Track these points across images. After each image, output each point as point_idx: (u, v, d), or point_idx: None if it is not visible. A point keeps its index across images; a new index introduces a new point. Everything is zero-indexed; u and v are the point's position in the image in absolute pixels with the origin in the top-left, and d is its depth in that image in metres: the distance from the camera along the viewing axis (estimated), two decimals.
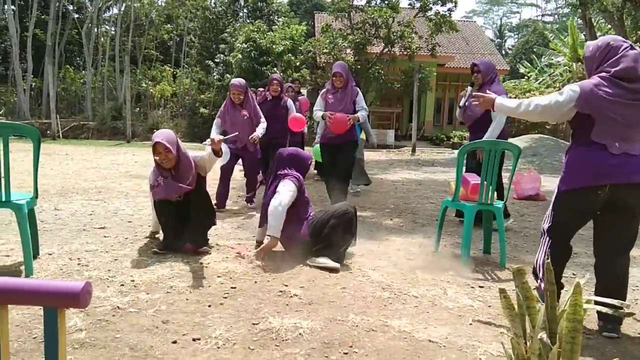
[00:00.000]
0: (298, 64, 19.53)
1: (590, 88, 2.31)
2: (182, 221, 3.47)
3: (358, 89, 5.20)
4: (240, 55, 18.78)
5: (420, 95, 19.58)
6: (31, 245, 2.94)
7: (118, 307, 2.47)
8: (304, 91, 6.07)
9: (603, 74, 2.34)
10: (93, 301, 2.54)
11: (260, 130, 5.15)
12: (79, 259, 3.26)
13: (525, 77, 23.69)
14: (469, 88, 4.34)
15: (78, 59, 31.30)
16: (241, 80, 5.32)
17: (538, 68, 23.91)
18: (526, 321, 1.48)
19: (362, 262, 3.45)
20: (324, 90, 5.29)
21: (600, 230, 2.47)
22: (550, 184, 8.55)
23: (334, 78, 5.01)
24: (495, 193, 3.61)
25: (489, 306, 2.72)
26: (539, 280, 2.62)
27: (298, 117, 6.00)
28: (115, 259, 3.28)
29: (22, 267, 2.98)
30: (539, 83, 21.70)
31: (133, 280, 2.85)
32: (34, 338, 2.09)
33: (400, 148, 20.11)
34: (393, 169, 10.89)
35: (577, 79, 14.82)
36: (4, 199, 2.81)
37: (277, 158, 3.65)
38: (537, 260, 2.64)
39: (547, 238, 2.55)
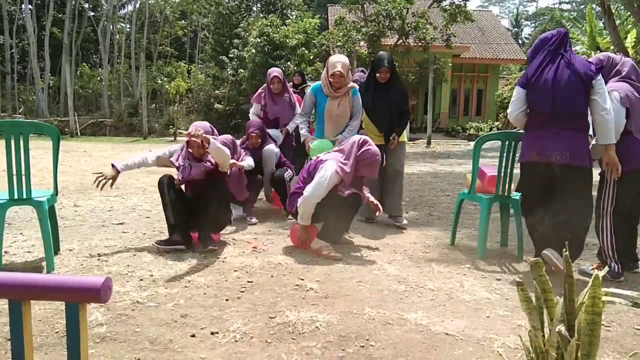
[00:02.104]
0: (312, 57, 19.50)
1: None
2: (192, 216, 3.50)
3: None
4: (253, 50, 18.83)
5: (435, 86, 19.42)
6: (52, 241, 2.99)
7: (137, 301, 2.51)
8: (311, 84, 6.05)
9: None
10: (113, 296, 2.59)
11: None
12: (98, 254, 3.31)
13: None
14: None
15: (94, 56, 31.69)
16: (279, 70, 5.27)
17: None
18: (544, 314, 1.47)
19: (378, 256, 3.45)
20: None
21: None
22: None
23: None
24: (513, 184, 3.57)
25: (507, 299, 2.70)
26: (609, 261, 3.08)
27: None
28: (134, 255, 3.33)
29: (44, 263, 3.04)
30: None
31: (152, 275, 2.90)
32: (56, 332, 2.14)
33: (415, 140, 20.00)
34: (408, 162, 10.82)
35: None
36: (25, 196, 2.87)
37: None
38: (604, 242, 3.10)
39: (611, 219, 3.08)
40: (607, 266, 3.07)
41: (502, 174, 3.44)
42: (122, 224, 4.27)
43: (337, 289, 2.77)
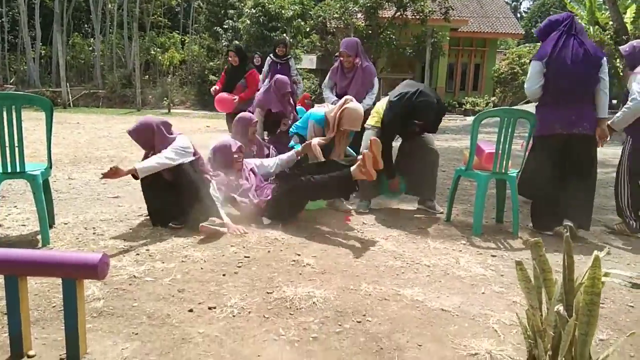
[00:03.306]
0: (308, 29, 19.20)
1: None
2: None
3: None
4: (248, 21, 18.49)
5: (432, 60, 19.26)
6: (47, 215, 2.97)
7: (134, 276, 2.51)
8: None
9: None
10: (109, 270, 2.58)
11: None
12: (94, 228, 3.30)
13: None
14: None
15: (86, 26, 31.02)
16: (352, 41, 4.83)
17: None
18: (542, 293, 1.48)
19: (374, 232, 3.46)
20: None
21: None
22: None
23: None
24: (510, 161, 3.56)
25: (502, 275, 2.72)
26: (628, 219, 3.61)
27: (225, 98, 5.87)
28: (130, 229, 3.32)
29: (39, 237, 3.02)
30: None
31: (148, 250, 2.89)
32: (54, 307, 2.14)
33: None
34: None
35: (595, 42, 14.40)
36: (18, 170, 2.83)
37: None
38: (623, 203, 3.62)
39: (629, 183, 3.57)
40: (625, 224, 3.65)
41: (500, 151, 3.43)
42: (117, 197, 4.25)
43: (334, 264, 2.78)
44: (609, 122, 3.44)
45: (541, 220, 3.56)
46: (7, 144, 2.77)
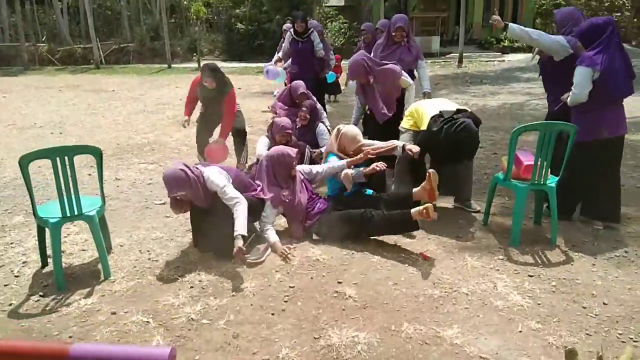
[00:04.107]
0: None
1: None
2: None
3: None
4: None
5: None
6: (104, 247, 3.20)
7: (192, 318, 2.73)
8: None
9: None
10: (169, 310, 2.82)
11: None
12: (148, 251, 3.53)
13: None
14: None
15: None
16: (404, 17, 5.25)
17: None
18: None
19: (412, 244, 3.57)
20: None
21: None
22: None
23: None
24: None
25: (538, 304, 2.81)
26: None
27: (214, 149, 4.86)
28: (181, 250, 3.53)
29: (99, 266, 3.26)
30: None
31: (201, 281, 3.10)
32: None
33: (446, 55, 19.24)
34: (437, 92, 10.56)
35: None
36: (76, 213, 3.03)
37: None
38: None
39: None
40: None
41: (539, 162, 3.40)
42: (163, 203, 4.46)
43: (375, 295, 2.92)
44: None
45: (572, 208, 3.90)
46: (63, 190, 2.95)
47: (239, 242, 3.10)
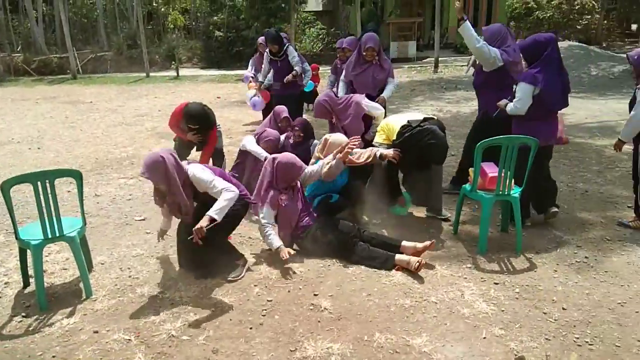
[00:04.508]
0: None
1: None
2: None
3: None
4: None
5: None
6: (85, 266, 3.27)
7: (172, 334, 2.83)
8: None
9: None
10: (150, 327, 2.92)
11: None
12: (129, 269, 3.62)
13: None
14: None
15: None
16: (375, 36, 5.24)
17: None
18: None
19: None
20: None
21: None
22: (582, 106, 8.21)
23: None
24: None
25: (502, 310, 2.99)
26: None
27: None
28: (161, 268, 3.62)
29: (81, 285, 3.34)
30: None
31: (181, 298, 3.21)
32: None
33: (422, 60, 19.52)
34: (414, 98, 10.78)
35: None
36: (57, 234, 3.11)
37: None
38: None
39: None
40: None
41: (503, 174, 3.59)
42: (143, 219, 4.54)
43: (349, 306, 3.06)
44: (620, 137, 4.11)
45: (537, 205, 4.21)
46: (44, 213, 3.03)
47: (204, 222, 3.01)
